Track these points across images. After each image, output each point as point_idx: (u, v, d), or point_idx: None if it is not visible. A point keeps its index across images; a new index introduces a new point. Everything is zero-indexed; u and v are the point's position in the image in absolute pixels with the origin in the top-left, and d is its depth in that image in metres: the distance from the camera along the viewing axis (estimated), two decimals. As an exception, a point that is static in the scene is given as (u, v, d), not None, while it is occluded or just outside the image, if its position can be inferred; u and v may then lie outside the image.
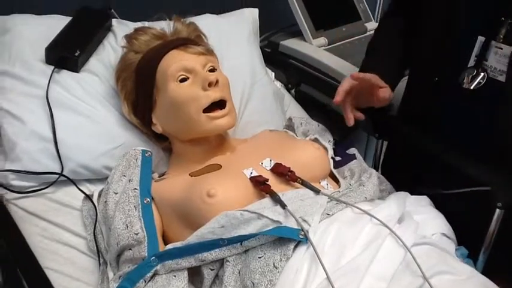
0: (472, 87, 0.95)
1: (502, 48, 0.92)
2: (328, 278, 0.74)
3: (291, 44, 1.58)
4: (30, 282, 0.86)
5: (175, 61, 1.00)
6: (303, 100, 1.43)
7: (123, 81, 1.07)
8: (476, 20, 0.94)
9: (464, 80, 0.96)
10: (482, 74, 0.95)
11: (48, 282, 0.87)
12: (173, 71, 0.99)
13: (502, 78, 0.93)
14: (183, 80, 0.99)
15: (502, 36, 0.91)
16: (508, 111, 0.87)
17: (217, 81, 0.98)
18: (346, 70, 1.40)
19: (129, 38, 1.09)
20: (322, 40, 1.59)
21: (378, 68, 1.09)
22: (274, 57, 1.57)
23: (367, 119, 1.11)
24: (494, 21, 0.92)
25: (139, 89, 1.04)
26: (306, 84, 1.49)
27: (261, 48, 1.59)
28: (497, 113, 0.92)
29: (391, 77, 1.10)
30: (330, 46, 1.60)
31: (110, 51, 1.18)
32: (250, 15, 1.38)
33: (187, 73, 0.99)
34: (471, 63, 0.96)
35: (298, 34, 1.60)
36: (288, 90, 1.45)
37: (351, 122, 1.06)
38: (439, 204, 1.02)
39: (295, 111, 1.33)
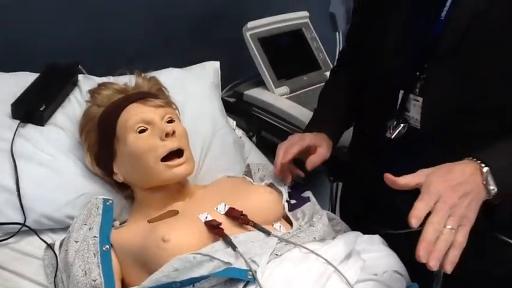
0: (393, 137, 1.03)
1: (418, 101, 1.00)
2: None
3: (255, 93, 1.66)
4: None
5: (135, 113, 1.06)
6: (264, 147, 1.49)
7: (87, 133, 1.12)
8: (399, 76, 1.02)
9: (388, 131, 1.04)
10: (402, 125, 1.03)
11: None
12: (132, 122, 1.05)
13: (419, 125, 1.01)
14: (142, 131, 1.05)
15: (417, 90, 1.00)
16: (426, 157, 0.93)
17: (174, 132, 1.04)
18: (305, 117, 1.47)
19: (92, 92, 1.16)
20: (284, 89, 1.67)
21: (326, 119, 1.20)
22: (239, 107, 1.65)
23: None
24: (412, 76, 1.00)
25: (101, 141, 1.09)
26: (266, 131, 1.56)
27: (226, 98, 1.68)
28: (418, 160, 0.99)
29: (336, 129, 1.21)
30: (292, 94, 1.68)
31: (75, 105, 1.23)
32: (211, 68, 1.46)
33: (146, 124, 1.05)
34: (396, 114, 1.04)
35: (262, 84, 1.68)
36: (250, 137, 1.51)
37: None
38: (392, 242, 1.07)
39: (256, 157, 1.38)
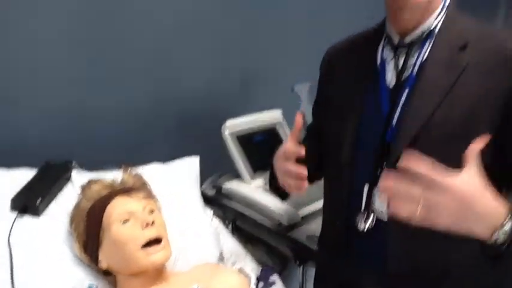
0: (364, 229, 1.10)
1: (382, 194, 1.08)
2: None
3: (232, 185, 1.82)
4: None
5: (120, 206, 1.21)
6: (239, 235, 1.63)
7: (76, 223, 1.26)
8: (362, 170, 1.12)
9: (358, 223, 1.11)
10: (371, 217, 1.10)
11: None
12: (117, 214, 1.20)
13: (386, 218, 1.09)
14: (125, 222, 1.19)
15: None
16: (394, 247, 1.03)
17: (153, 222, 1.18)
18: (279, 208, 1.62)
19: (83, 188, 1.32)
20: (260, 181, 1.84)
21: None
22: (218, 198, 1.80)
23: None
24: (374, 171, 1.09)
25: (88, 231, 1.23)
26: (241, 220, 1.70)
27: (206, 191, 1.83)
28: (387, 251, 1.07)
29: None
30: (267, 186, 1.84)
31: (69, 198, 1.38)
32: (191, 163, 1.63)
33: (129, 215, 1.20)
34: (363, 207, 1.12)
35: (240, 176, 1.85)
36: (226, 226, 1.65)
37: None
38: None
39: (230, 245, 1.51)
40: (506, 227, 0.78)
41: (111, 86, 1.70)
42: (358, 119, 1.13)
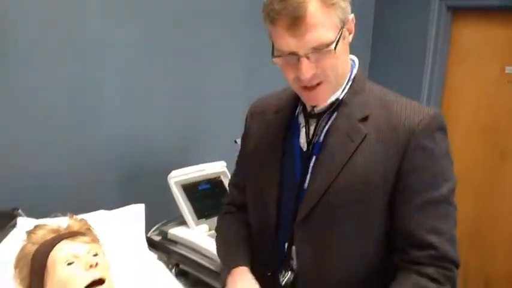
0: (283, 284, 1.17)
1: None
2: None
3: (177, 231, 1.90)
4: None
5: (64, 249, 1.27)
6: (184, 279, 1.69)
7: (21, 267, 1.30)
8: (284, 228, 1.17)
9: (280, 279, 1.18)
10: (289, 272, 1.17)
11: None
12: (61, 256, 1.25)
13: None
14: (69, 264, 1.24)
15: (298, 241, 1.14)
16: None
17: (97, 264, 1.24)
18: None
19: (28, 233, 1.36)
20: (204, 227, 1.92)
21: (239, 254, 1.24)
22: (163, 244, 1.87)
23: None
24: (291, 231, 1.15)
25: (32, 274, 1.27)
26: (184, 264, 1.77)
27: (152, 236, 1.90)
28: None
29: (248, 256, 1.25)
30: (211, 232, 1.92)
31: (14, 244, 1.42)
32: (137, 210, 1.71)
33: (73, 258, 1.25)
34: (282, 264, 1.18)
35: (185, 223, 1.92)
36: (170, 270, 1.71)
37: None
38: None
39: (173, 286, 1.58)
40: None
41: (60, 137, 1.77)
42: (277, 178, 1.19)
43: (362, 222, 1.10)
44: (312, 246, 1.13)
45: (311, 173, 1.13)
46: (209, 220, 1.96)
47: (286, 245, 1.17)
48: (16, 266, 1.32)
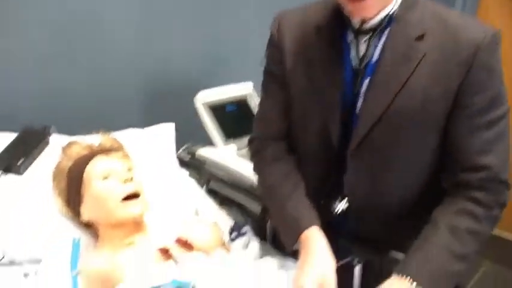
0: (336, 212, 1.18)
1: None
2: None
3: (205, 151, 1.91)
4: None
5: (99, 164, 1.29)
6: (212, 194, 1.73)
7: (58, 181, 1.34)
8: (332, 158, 1.14)
9: (332, 207, 1.18)
10: (343, 202, 1.17)
11: None
12: (97, 171, 1.27)
13: None
14: (105, 178, 1.27)
15: (352, 168, 1.13)
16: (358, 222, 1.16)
17: (131, 178, 1.27)
18: (248, 170, 1.72)
19: (63, 148, 1.39)
20: (232, 146, 1.93)
21: (305, 213, 1.16)
22: (192, 163, 1.89)
23: None
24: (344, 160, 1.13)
25: (70, 187, 1.31)
26: (214, 181, 1.80)
27: (181, 156, 1.92)
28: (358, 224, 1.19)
29: (314, 215, 1.16)
30: (240, 151, 1.93)
31: (49, 159, 1.45)
32: (167, 128, 1.72)
33: (108, 173, 1.27)
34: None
35: (212, 144, 1.94)
36: (201, 186, 1.75)
37: None
38: None
39: (205, 202, 1.61)
40: None
41: (87, 56, 1.76)
42: (335, 98, 1.12)
43: (418, 146, 1.07)
44: (366, 173, 1.12)
45: (364, 95, 1.08)
46: (236, 140, 1.96)
47: (338, 172, 1.15)
48: (54, 180, 1.35)
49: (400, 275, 0.99)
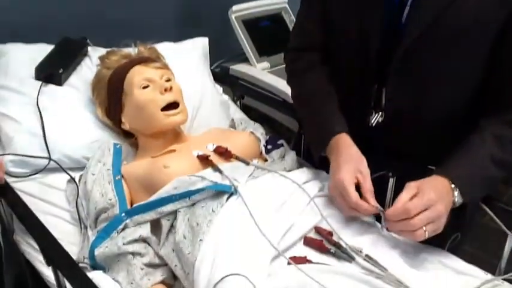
0: (373, 125, 1.17)
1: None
2: (251, 216, 1.02)
3: (239, 68, 1.91)
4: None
5: (139, 73, 1.30)
6: (246, 110, 1.74)
7: (98, 90, 1.36)
8: (370, 70, 1.13)
9: (367, 119, 1.17)
10: (378, 114, 1.16)
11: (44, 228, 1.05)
12: (137, 80, 1.28)
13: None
14: (145, 87, 1.28)
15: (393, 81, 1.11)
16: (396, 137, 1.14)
17: (171, 88, 1.27)
18: (282, 86, 1.71)
19: (102, 58, 1.39)
20: (265, 64, 1.91)
21: (335, 119, 1.17)
22: (225, 79, 1.89)
23: None
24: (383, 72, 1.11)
25: (110, 96, 1.32)
26: (249, 97, 1.81)
27: (215, 71, 1.92)
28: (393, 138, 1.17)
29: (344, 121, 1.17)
30: (272, 69, 1.92)
31: (87, 70, 1.47)
32: (201, 43, 1.70)
33: (148, 82, 1.28)
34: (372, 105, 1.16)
35: (246, 60, 1.92)
36: (234, 102, 1.76)
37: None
38: None
39: (239, 117, 1.62)
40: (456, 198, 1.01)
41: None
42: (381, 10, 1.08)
43: (463, 63, 1.05)
44: (407, 87, 1.11)
45: (411, 5, 1.04)
46: (270, 58, 1.94)
47: (376, 85, 1.13)
48: (94, 90, 1.37)
49: (441, 175, 1.01)
